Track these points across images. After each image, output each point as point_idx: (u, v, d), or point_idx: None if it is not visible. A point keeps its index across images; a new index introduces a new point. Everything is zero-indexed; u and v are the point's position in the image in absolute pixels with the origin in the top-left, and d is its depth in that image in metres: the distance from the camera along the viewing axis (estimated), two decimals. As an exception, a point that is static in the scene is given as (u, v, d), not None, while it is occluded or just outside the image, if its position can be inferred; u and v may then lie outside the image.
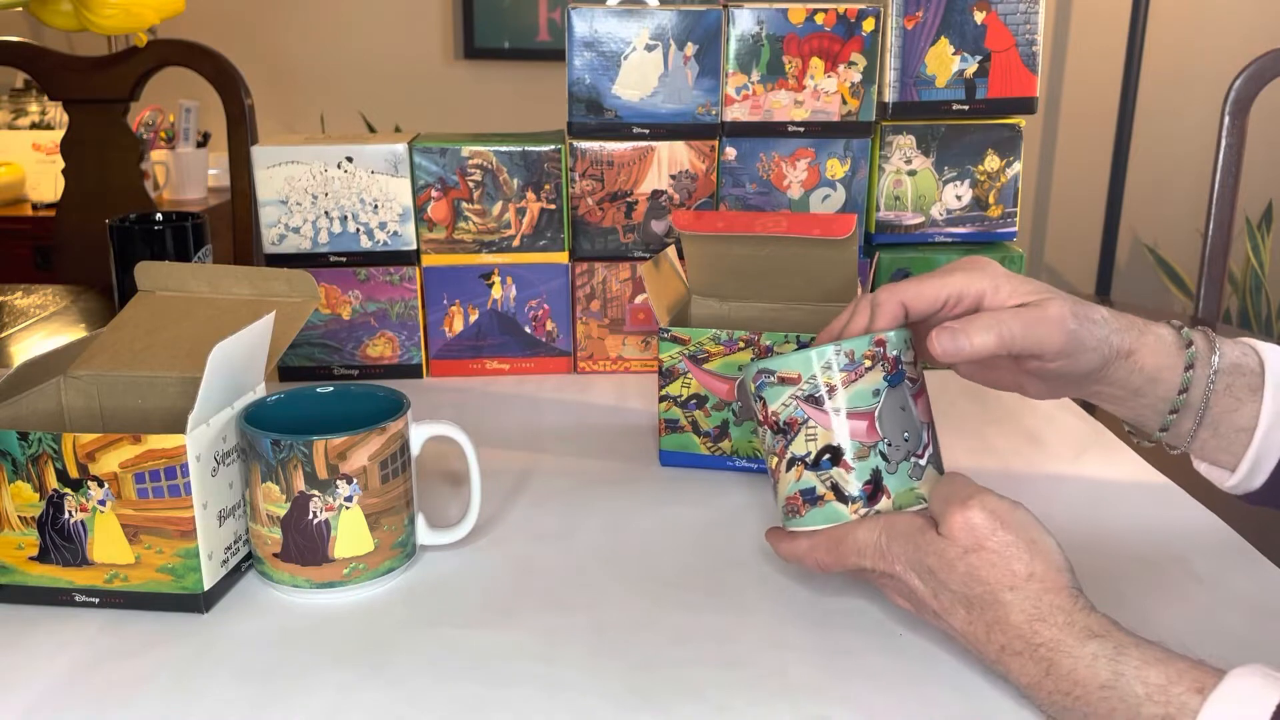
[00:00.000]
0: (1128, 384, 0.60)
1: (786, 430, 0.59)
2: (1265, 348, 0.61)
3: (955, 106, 0.97)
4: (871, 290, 0.71)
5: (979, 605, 0.52)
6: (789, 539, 0.61)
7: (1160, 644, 0.49)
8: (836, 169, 0.98)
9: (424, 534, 0.67)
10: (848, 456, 0.58)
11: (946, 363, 0.59)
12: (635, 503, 0.76)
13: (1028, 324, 0.57)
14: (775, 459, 0.60)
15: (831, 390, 0.58)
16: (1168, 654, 0.48)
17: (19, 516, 0.61)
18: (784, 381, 0.59)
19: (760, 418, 0.60)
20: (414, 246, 0.98)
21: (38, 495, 0.60)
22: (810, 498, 0.59)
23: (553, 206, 0.97)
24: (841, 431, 0.58)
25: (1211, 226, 1.34)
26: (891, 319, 0.59)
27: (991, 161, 0.99)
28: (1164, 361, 0.60)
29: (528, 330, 1.00)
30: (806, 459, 0.58)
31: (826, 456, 0.58)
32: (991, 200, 1.00)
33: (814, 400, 0.58)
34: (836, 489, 0.58)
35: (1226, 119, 1.36)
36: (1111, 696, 0.47)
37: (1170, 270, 2.65)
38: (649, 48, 0.95)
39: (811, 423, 0.58)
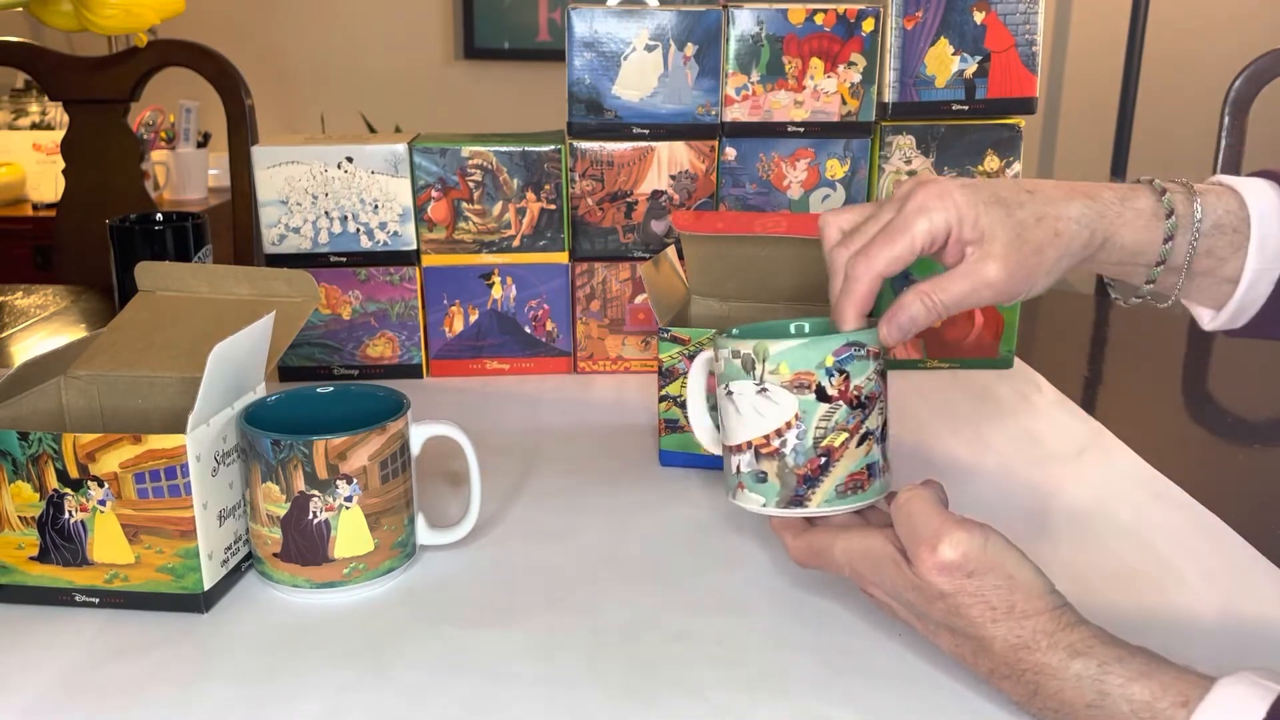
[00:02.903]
0: (1109, 261, 0.60)
1: (866, 405, 0.59)
2: (1250, 194, 0.59)
3: (955, 107, 0.97)
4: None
5: (962, 634, 0.52)
6: (791, 529, 0.61)
7: (1147, 652, 0.48)
8: (836, 169, 0.98)
9: (424, 534, 0.67)
10: (890, 430, 0.61)
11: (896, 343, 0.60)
12: (635, 503, 0.76)
13: (960, 297, 0.57)
14: (845, 436, 0.59)
15: (885, 368, 0.61)
16: (1153, 665, 0.47)
17: (19, 516, 0.61)
18: (871, 356, 0.59)
19: (835, 393, 0.59)
20: (414, 246, 0.98)
21: (38, 495, 0.60)
22: (875, 471, 0.60)
23: (553, 207, 0.97)
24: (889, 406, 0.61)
25: (1211, 226, 1.34)
26: (869, 300, 0.59)
27: (991, 162, 0.99)
28: (1144, 237, 0.59)
29: (528, 330, 1.00)
30: (876, 433, 0.60)
31: (887, 428, 0.61)
32: (991, 200, 1.00)
33: (883, 375, 0.60)
34: (886, 461, 0.61)
35: (1226, 119, 1.36)
36: (1099, 715, 0.47)
37: (1170, 270, 2.65)
38: (649, 48, 0.95)
39: (883, 396, 0.60)
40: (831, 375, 0.58)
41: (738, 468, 0.61)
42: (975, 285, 0.57)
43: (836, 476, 0.59)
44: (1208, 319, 0.63)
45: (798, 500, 0.60)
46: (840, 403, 0.59)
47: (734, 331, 0.64)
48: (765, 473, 0.60)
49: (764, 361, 0.59)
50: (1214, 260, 0.59)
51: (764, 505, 0.60)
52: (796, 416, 0.59)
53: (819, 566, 0.59)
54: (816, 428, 0.58)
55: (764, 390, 0.59)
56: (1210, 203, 0.59)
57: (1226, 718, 0.44)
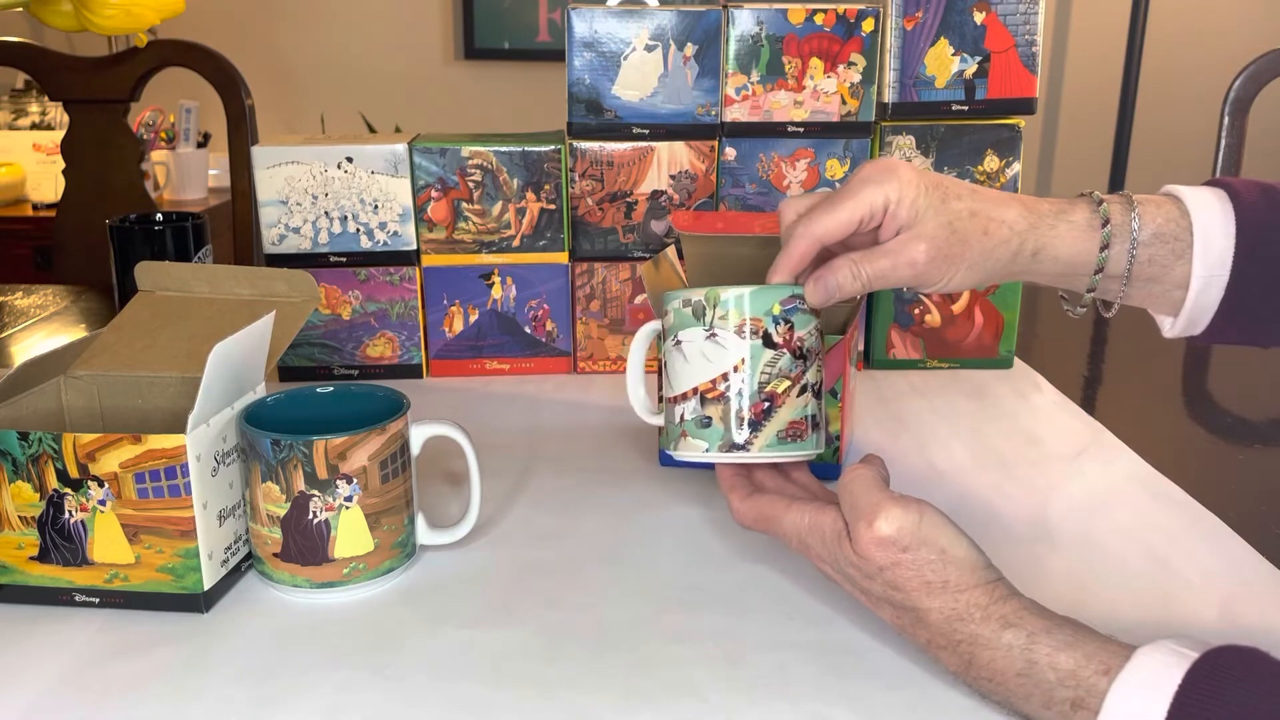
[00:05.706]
0: (1044, 273, 0.63)
1: (807, 357, 0.62)
2: (1194, 203, 0.61)
3: (955, 107, 0.97)
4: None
5: (901, 607, 0.54)
6: (738, 491, 0.62)
7: (1075, 623, 0.50)
8: (836, 169, 0.98)
9: (424, 534, 0.67)
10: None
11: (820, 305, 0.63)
12: (635, 503, 0.76)
13: (884, 271, 0.60)
14: (788, 384, 0.61)
15: (823, 329, 0.64)
16: (1078, 636, 0.49)
17: (19, 516, 0.61)
18: (812, 313, 0.62)
19: (780, 341, 0.61)
20: (414, 246, 0.98)
21: (38, 495, 0.60)
22: (816, 423, 0.62)
23: (553, 207, 0.97)
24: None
25: (1211, 226, 1.34)
26: (805, 259, 0.61)
27: (991, 162, 0.99)
28: (1079, 247, 0.61)
29: (528, 330, 1.00)
30: (815, 388, 0.62)
31: (822, 389, 0.64)
32: (991, 200, 1.00)
33: (821, 335, 0.64)
34: (825, 419, 0.64)
35: (1226, 119, 1.36)
36: (1027, 684, 0.49)
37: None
38: (649, 48, 0.95)
39: (821, 356, 0.63)
40: (778, 323, 0.61)
41: (681, 416, 0.62)
42: (898, 263, 0.60)
43: (779, 422, 0.61)
44: (1167, 326, 0.64)
45: (741, 446, 0.61)
46: (784, 350, 0.61)
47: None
48: (710, 417, 0.62)
49: (714, 307, 0.61)
50: (1157, 267, 0.61)
51: (706, 450, 0.62)
52: (743, 361, 0.61)
53: (764, 531, 0.60)
54: (761, 372, 0.61)
55: (713, 335, 0.61)
56: (1149, 212, 0.61)
57: (1146, 684, 0.45)
